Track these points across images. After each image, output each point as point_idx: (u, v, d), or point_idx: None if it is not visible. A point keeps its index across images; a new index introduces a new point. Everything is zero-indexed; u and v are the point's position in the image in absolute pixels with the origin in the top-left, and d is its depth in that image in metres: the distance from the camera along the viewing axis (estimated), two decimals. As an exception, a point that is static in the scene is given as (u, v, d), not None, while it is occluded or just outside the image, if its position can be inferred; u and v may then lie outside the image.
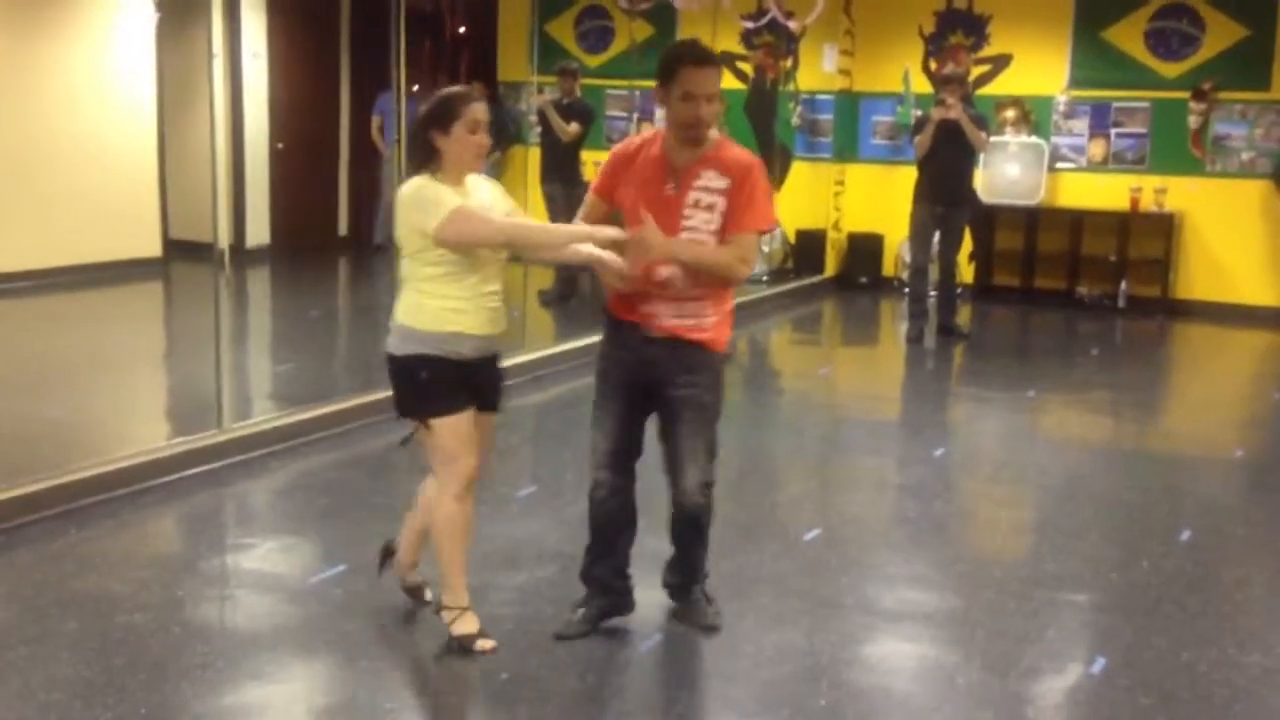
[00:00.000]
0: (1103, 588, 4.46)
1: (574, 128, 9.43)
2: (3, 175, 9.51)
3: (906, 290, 9.51)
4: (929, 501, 5.45)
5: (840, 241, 11.68)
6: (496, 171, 12.28)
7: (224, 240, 6.07)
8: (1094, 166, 10.73)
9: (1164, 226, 10.39)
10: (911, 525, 5.17)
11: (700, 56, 3.64)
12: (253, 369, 7.64)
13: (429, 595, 3.94)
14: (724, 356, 3.82)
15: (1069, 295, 10.71)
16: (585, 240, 3.60)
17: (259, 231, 11.71)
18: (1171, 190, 10.36)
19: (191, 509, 5.09)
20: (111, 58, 10.37)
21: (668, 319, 3.68)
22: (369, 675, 3.55)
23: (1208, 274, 10.45)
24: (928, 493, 5.58)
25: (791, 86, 11.53)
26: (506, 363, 7.86)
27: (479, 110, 3.58)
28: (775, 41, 11.43)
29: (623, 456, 3.76)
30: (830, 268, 11.61)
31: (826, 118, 11.51)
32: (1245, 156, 10.28)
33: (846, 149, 11.62)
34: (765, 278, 10.72)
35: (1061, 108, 10.77)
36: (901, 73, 10.99)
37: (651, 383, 3.73)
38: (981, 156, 9.59)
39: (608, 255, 3.56)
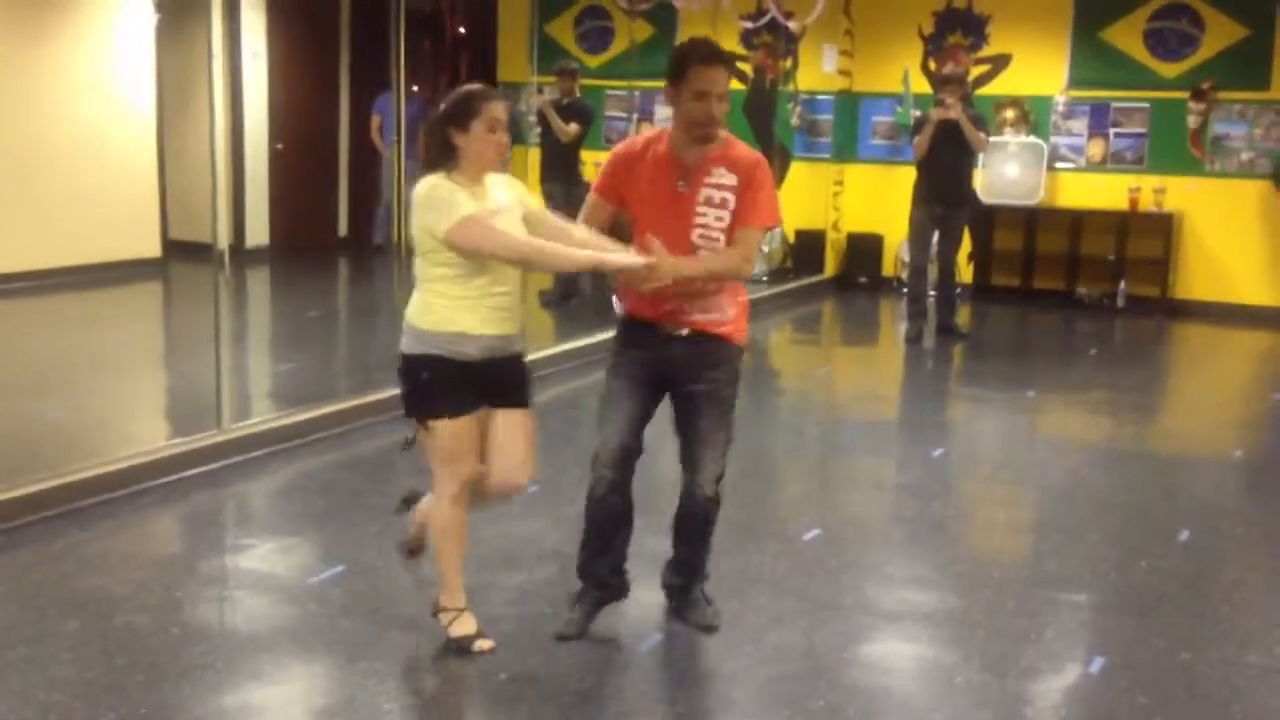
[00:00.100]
0: (1101, 588, 4.46)
1: (573, 128, 9.43)
2: (2, 176, 9.52)
3: (905, 290, 9.51)
4: (928, 501, 5.45)
5: (839, 242, 11.68)
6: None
7: (223, 241, 6.06)
8: (1093, 166, 10.73)
9: (1163, 226, 10.40)
10: (910, 525, 5.17)
11: (712, 55, 3.66)
12: (252, 370, 7.64)
13: (419, 564, 3.94)
14: (742, 349, 3.85)
15: (1068, 295, 10.71)
16: (598, 266, 3.57)
17: (258, 232, 11.72)
18: (1170, 190, 10.37)
19: (191, 509, 5.10)
20: (111, 58, 10.37)
21: (692, 315, 3.71)
22: (368, 675, 3.55)
23: (1207, 274, 10.45)
24: (927, 493, 5.59)
25: (791, 87, 11.54)
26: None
27: (498, 108, 3.55)
28: (775, 42, 11.44)
29: (630, 455, 3.75)
30: (829, 268, 11.61)
31: (826, 118, 11.51)
32: (1244, 156, 10.28)
33: (846, 149, 11.62)
34: (765, 278, 10.73)
35: (1060, 108, 10.77)
36: (901, 73, 10.99)
37: (670, 379, 3.75)
38: (981, 157, 9.59)
39: (627, 260, 3.54)
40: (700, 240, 3.67)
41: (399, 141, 7.88)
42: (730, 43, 11.14)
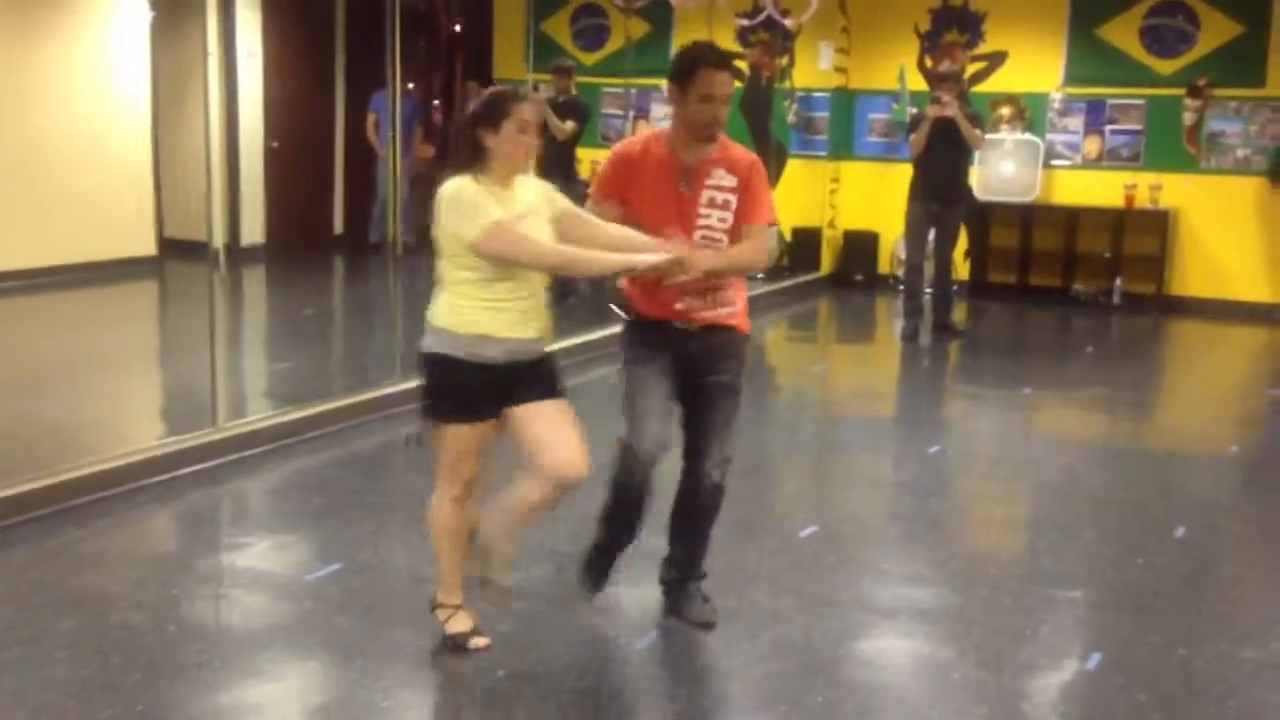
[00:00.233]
0: (1098, 584, 4.46)
1: (570, 126, 9.43)
2: (-2, 174, 9.52)
3: (902, 288, 9.51)
4: (924, 498, 5.45)
5: (836, 239, 11.68)
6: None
7: (219, 239, 6.07)
8: (1089, 163, 10.74)
9: (1159, 223, 10.41)
10: (907, 522, 5.17)
11: (719, 59, 3.72)
12: (247, 368, 7.63)
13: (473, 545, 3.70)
14: (748, 337, 3.92)
15: (1064, 292, 10.72)
16: (629, 268, 3.56)
17: (254, 230, 11.70)
18: (1166, 187, 10.37)
19: (187, 508, 5.09)
20: (106, 56, 10.35)
21: (705, 311, 3.74)
22: (365, 673, 3.55)
23: (1203, 271, 10.46)
24: (923, 490, 5.59)
25: (787, 84, 11.53)
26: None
27: (529, 110, 3.52)
28: (771, 39, 11.43)
29: (666, 450, 3.75)
30: (826, 265, 11.61)
31: (822, 115, 11.51)
32: (1240, 153, 10.29)
33: (842, 147, 11.62)
34: (761, 275, 10.71)
35: (1057, 105, 10.78)
36: (897, 70, 11.00)
37: (685, 374, 3.77)
38: (977, 154, 9.59)
39: (658, 258, 3.53)
40: (703, 241, 3.70)
41: (394, 140, 7.87)
42: (726, 40, 11.13)
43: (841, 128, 11.56)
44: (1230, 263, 10.38)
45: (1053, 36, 10.71)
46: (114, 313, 9.49)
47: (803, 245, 11.47)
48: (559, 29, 12.28)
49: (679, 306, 3.73)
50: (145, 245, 10.69)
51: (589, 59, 12.00)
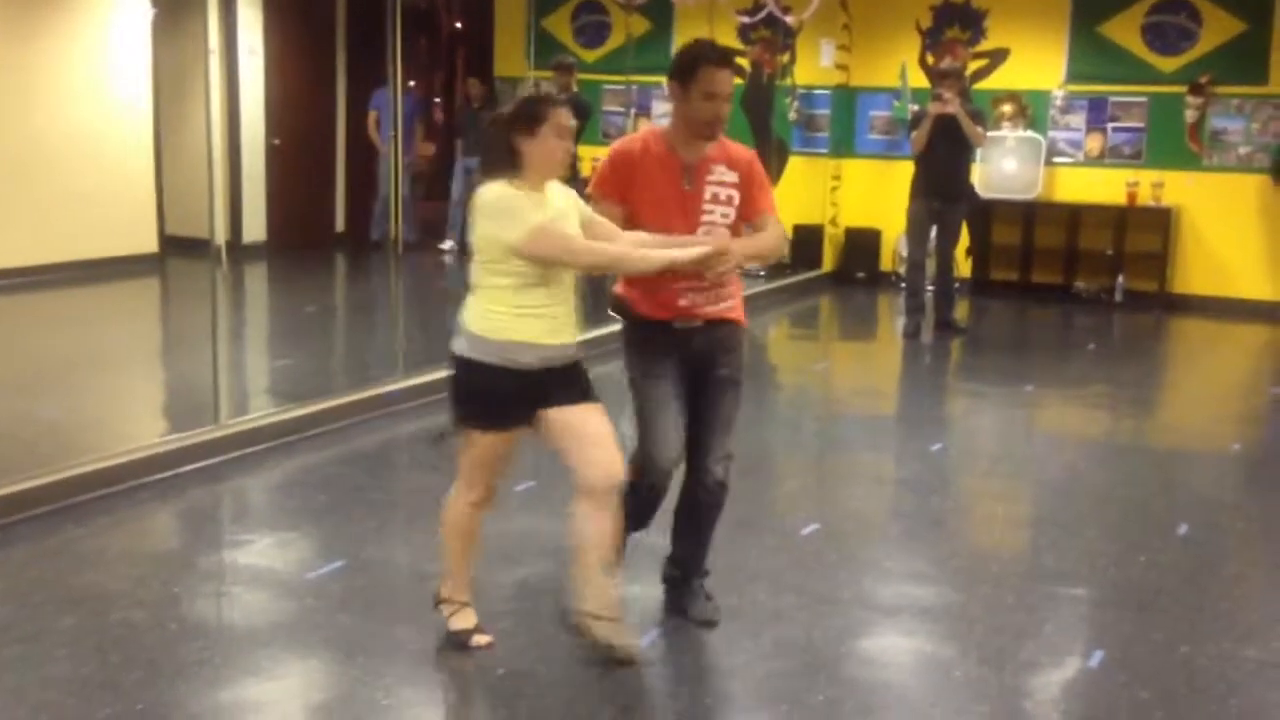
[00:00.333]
0: (1100, 582, 4.46)
1: (571, 123, 9.41)
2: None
3: (903, 285, 9.50)
4: (926, 496, 5.45)
5: (837, 236, 11.67)
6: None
7: (220, 236, 6.07)
8: (1091, 161, 10.73)
9: (1161, 221, 10.40)
10: (909, 520, 5.17)
11: (721, 57, 3.72)
12: (249, 365, 7.63)
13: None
14: (747, 330, 3.96)
15: (1066, 290, 10.71)
16: (670, 264, 3.53)
17: (255, 228, 11.70)
18: (1168, 185, 10.37)
19: (188, 505, 5.09)
20: (108, 54, 10.35)
21: (707, 306, 3.75)
22: (366, 671, 3.55)
23: (1205, 268, 10.45)
24: (925, 487, 5.58)
25: (788, 81, 11.53)
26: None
27: (566, 114, 3.50)
28: (772, 36, 11.42)
29: (681, 461, 3.77)
30: (827, 263, 11.61)
31: (823, 113, 11.50)
32: (1242, 151, 10.28)
33: (843, 144, 11.61)
34: (762, 273, 10.71)
35: (1059, 102, 10.77)
36: (899, 67, 10.99)
37: (695, 372, 3.78)
38: (979, 151, 9.58)
39: (701, 251, 3.53)
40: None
41: (396, 137, 7.87)
42: (728, 37, 11.12)
43: (843, 125, 11.55)
44: (1232, 260, 10.37)
45: (1054, 33, 10.70)
46: (115, 310, 9.49)
47: (804, 243, 11.46)
48: (560, 26, 12.27)
49: (682, 303, 3.73)
50: (147, 243, 10.70)
51: (590, 56, 12.00)
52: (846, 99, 11.54)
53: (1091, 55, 10.60)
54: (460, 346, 3.52)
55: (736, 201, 3.75)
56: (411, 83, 13.47)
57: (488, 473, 3.61)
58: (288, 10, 11.84)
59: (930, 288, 9.32)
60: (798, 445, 6.54)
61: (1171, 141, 10.43)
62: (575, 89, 9.80)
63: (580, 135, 9.59)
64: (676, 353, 3.75)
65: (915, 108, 9.72)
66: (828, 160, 11.55)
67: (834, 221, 11.65)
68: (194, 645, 3.68)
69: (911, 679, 3.70)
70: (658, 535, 3.97)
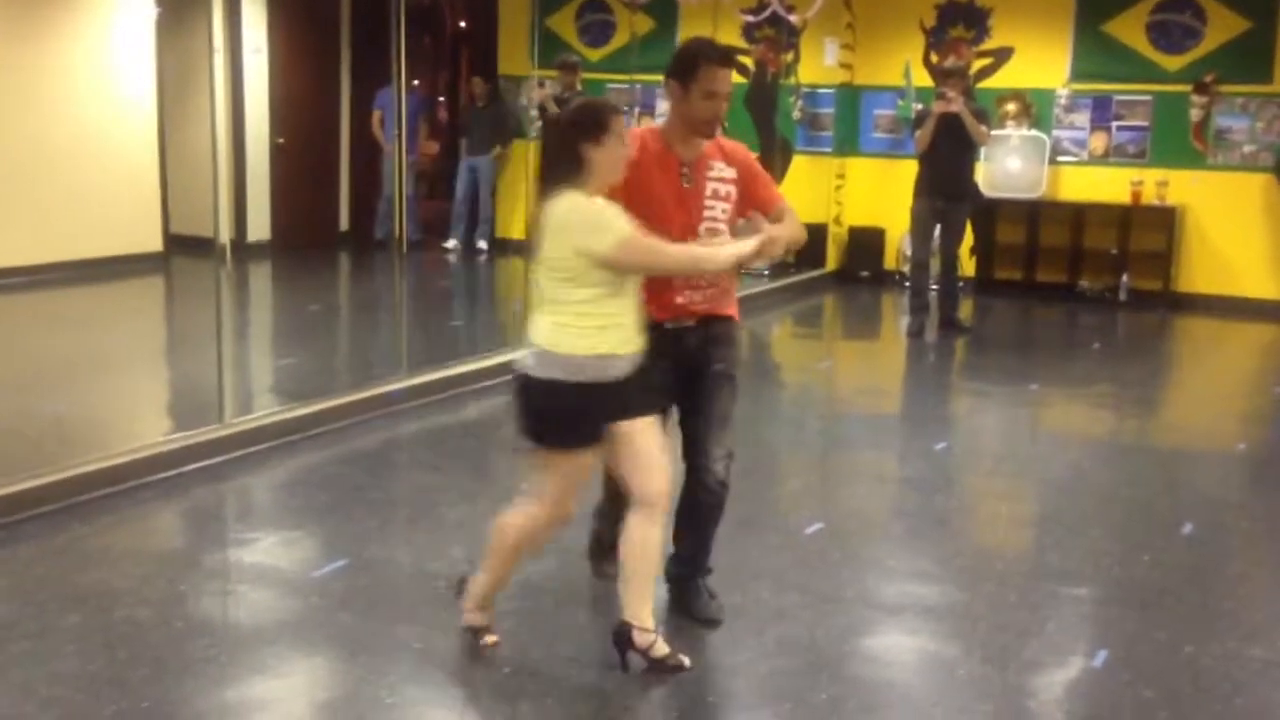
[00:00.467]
0: (1104, 581, 4.45)
1: (574, 122, 9.41)
2: (3, 171, 9.52)
3: (907, 284, 9.50)
4: (930, 495, 5.45)
5: (841, 235, 11.67)
6: (499, 166, 12.31)
7: (225, 235, 6.06)
8: (1095, 160, 10.72)
9: (1165, 220, 10.39)
10: (913, 519, 5.17)
11: (723, 55, 3.73)
12: (254, 364, 7.65)
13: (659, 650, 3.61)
14: (741, 325, 3.96)
15: (1070, 289, 10.70)
16: (741, 259, 3.59)
17: (260, 227, 11.71)
18: (1173, 183, 10.36)
19: (193, 504, 5.10)
20: (112, 53, 10.37)
21: (701, 304, 3.76)
22: (370, 669, 3.55)
23: (1209, 267, 10.44)
24: (929, 486, 5.58)
25: (792, 80, 11.52)
26: (504, 358, 7.83)
27: (623, 122, 3.48)
28: (776, 35, 11.42)
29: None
30: (831, 262, 11.60)
31: (827, 111, 11.50)
32: (1247, 149, 10.27)
33: (847, 143, 11.61)
34: (766, 271, 10.72)
35: (1063, 101, 10.76)
36: (902, 66, 10.97)
37: (689, 370, 3.79)
38: (982, 150, 9.58)
39: (757, 241, 3.58)
40: (706, 234, 3.73)
41: (400, 136, 7.88)
42: (731, 36, 11.12)
43: (847, 124, 11.54)
44: (1237, 259, 10.36)
45: (1059, 32, 10.69)
46: (120, 309, 9.50)
47: (808, 242, 11.34)
48: (564, 25, 12.27)
49: (679, 301, 3.73)
50: (151, 241, 10.71)
51: (594, 55, 12.00)
52: (850, 98, 11.53)
53: (1096, 54, 10.58)
54: (537, 368, 3.43)
55: (734, 198, 3.76)
56: (416, 81, 13.49)
57: (576, 491, 3.59)
58: (292, 9, 11.84)
59: (934, 287, 9.31)
60: (801, 444, 6.54)
61: (1176, 140, 10.42)
62: (579, 88, 9.81)
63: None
64: (670, 356, 3.72)
65: (919, 106, 9.70)
66: (831, 159, 11.54)
67: (838, 220, 11.65)
68: (199, 643, 3.69)
69: (915, 678, 3.71)
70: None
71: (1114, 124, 10.64)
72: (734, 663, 3.71)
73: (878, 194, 11.38)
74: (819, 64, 11.43)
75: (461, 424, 6.43)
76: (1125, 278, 10.48)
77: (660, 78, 3.89)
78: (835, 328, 10.60)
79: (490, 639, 3.68)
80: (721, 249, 3.60)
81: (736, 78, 12.05)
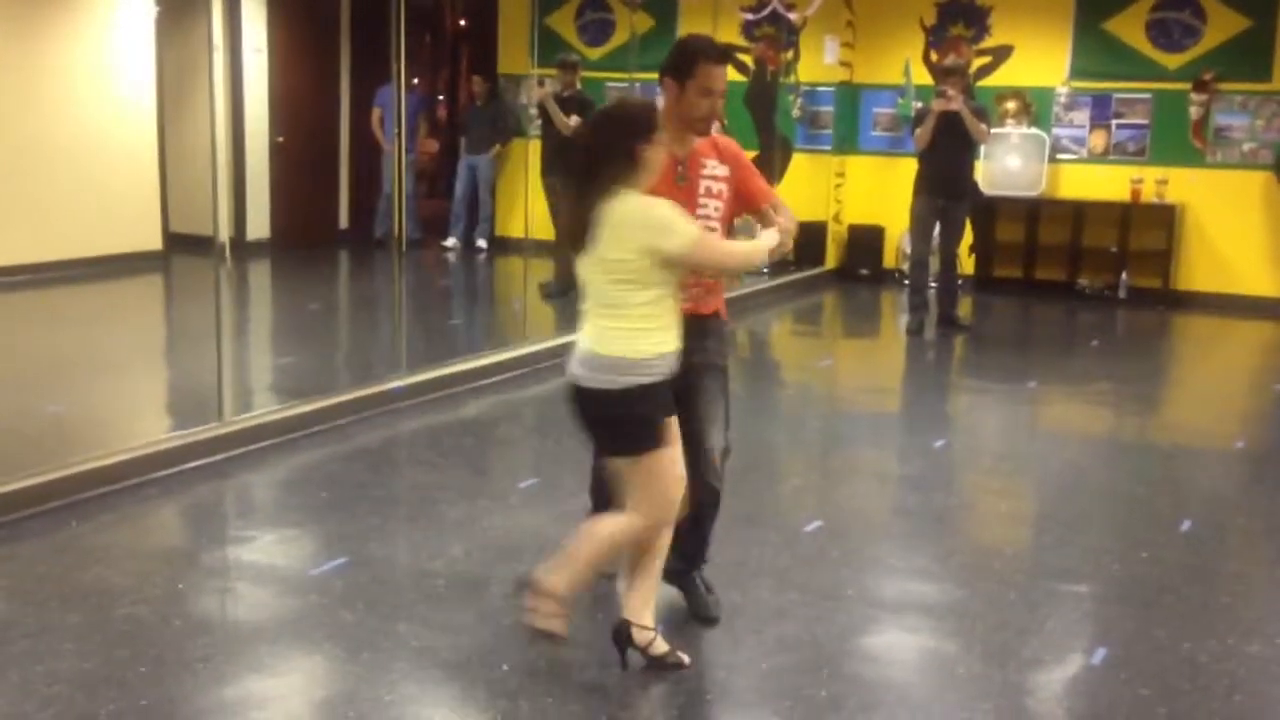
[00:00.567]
0: (1103, 579, 4.46)
1: (574, 121, 9.42)
2: (3, 170, 9.52)
3: (907, 282, 9.51)
4: (929, 493, 5.45)
5: (841, 234, 11.68)
6: (499, 165, 12.31)
7: (224, 234, 6.07)
8: (1095, 158, 10.73)
9: (1165, 218, 10.40)
10: (912, 517, 5.17)
11: (719, 53, 3.75)
12: (253, 362, 7.65)
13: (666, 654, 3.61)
14: (728, 323, 3.97)
15: (1070, 287, 10.71)
16: (773, 250, 3.65)
17: (259, 225, 11.71)
18: (1172, 181, 10.36)
19: (192, 501, 5.10)
20: (112, 51, 10.37)
21: (686, 304, 3.73)
22: (370, 668, 3.56)
23: (1209, 265, 10.45)
24: (928, 484, 5.58)
25: (792, 78, 11.53)
26: (507, 355, 7.83)
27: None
28: (776, 33, 11.43)
29: None
30: (831, 260, 11.61)
31: (827, 109, 11.51)
32: (1246, 147, 10.28)
33: (847, 141, 11.61)
34: (765, 270, 10.71)
35: (1062, 99, 10.76)
36: (902, 64, 10.98)
37: (680, 368, 3.77)
38: (982, 148, 9.59)
39: (774, 238, 3.65)
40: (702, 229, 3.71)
41: (400, 134, 7.88)
42: (731, 34, 11.13)
43: (846, 122, 11.55)
44: (1236, 257, 10.36)
45: (1058, 30, 10.69)
46: (119, 307, 9.51)
47: (807, 240, 11.42)
48: (564, 24, 12.27)
49: None
50: (151, 240, 10.72)
51: (594, 54, 12.00)
52: (850, 96, 11.53)
53: (1095, 52, 10.59)
54: (608, 380, 3.38)
55: (727, 195, 3.78)
56: (415, 80, 13.49)
57: (682, 485, 3.57)
58: (292, 7, 11.85)
59: (933, 285, 9.32)
60: (801, 442, 6.54)
61: (1175, 138, 10.42)
62: (579, 87, 9.80)
63: (584, 133, 9.71)
64: None
65: (919, 105, 9.71)
66: (831, 157, 11.54)
67: (837, 218, 11.65)
68: (199, 641, 3.69)
69: (914, 676, 3.71)
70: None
71: (1113, 122, 10.65)
72: (733, 660, 3.71)
73: (877, 192, 11.39)
74: (819, 62, 11.44)
75: (461, 422, 6.44)
76: (1125, 275, 10.49)
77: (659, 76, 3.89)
78: (835, 326, 10.60)
79: (559, 633, 3.48)
80: (759, 241, 3.65)
81: (737, 76, 12.08)
